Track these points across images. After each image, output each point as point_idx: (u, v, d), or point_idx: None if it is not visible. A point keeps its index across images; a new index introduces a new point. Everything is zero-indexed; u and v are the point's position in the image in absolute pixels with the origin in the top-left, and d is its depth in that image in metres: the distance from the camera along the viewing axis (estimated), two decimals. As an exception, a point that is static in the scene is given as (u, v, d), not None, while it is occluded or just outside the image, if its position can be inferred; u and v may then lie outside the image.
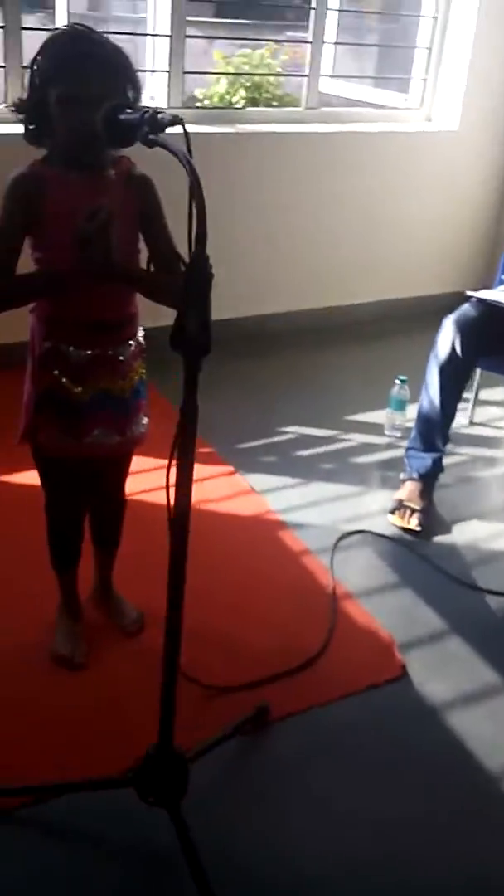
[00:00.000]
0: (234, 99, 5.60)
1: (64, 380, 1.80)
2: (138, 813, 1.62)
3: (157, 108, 1.34)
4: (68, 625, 2.13)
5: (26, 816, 1.71)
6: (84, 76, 1.58)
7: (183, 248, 1.24)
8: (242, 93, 5.60)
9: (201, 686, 2.01)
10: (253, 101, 5.59)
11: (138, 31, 3.56)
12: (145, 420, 1.97)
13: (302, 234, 3.93)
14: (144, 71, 3.43)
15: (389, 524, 2.73)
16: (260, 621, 2.29)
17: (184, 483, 1.37)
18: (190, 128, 1.25)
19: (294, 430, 3.26)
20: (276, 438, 3.21)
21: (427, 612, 2.38)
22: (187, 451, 1.33)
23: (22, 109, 1.64)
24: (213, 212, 1.17)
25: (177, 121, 1.29)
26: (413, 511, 2.74)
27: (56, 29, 1.68)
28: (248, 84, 5.66)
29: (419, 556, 2.60)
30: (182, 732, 1.62)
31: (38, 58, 1.62)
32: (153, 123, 1.30)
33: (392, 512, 2.76)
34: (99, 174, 1.70)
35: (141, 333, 1.90)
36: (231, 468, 2.94)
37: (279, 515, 2.72)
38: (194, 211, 1.18)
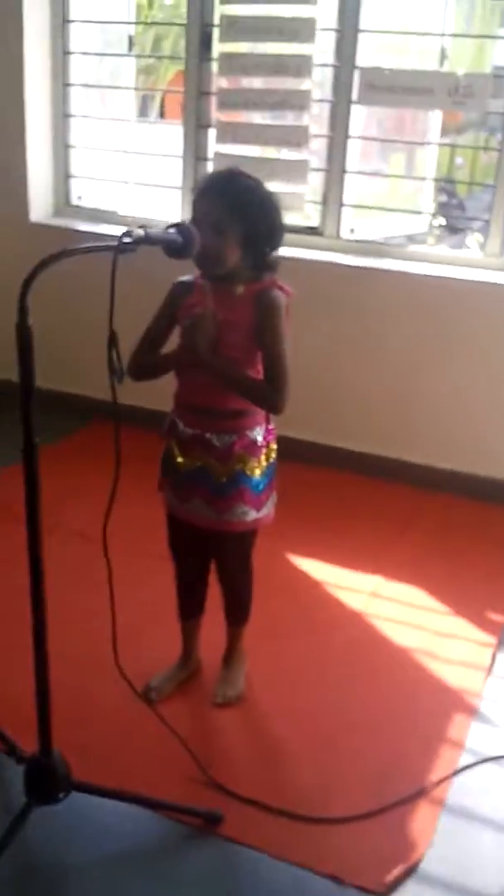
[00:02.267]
0: None
1: (174, 449, 2.14)
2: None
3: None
4: (172, 666, 2.40)
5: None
6: (203, 205, 1.95)
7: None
8: None
9: (205, 774, 2.09)
10: None
11: None
12: (254, 513, 2.14)
13: None
14: None
15: None
16: (330, 764, 2.18)
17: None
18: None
19: None
20: None
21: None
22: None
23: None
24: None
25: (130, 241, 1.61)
26: None
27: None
28: None
29: None
30: (146, 782, 1.90)
31: None
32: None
33: None
34: (228, 287, 2.00)
35: (258, 434, 2.10)
36: (495, 641, 2.68)
37: (480, 702, 2.42)
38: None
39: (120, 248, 1.62)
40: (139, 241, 1.66)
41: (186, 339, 1.98)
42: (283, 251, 3.51)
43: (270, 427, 2.15)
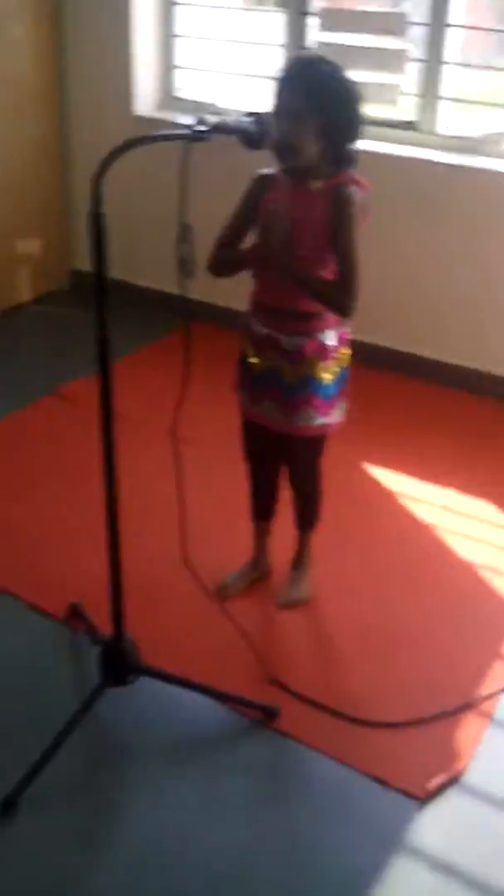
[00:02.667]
0: None
1: (249, 349, 2.12)
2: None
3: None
4: (244, 565, 2.44)
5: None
6: (282, 93, 1.86)
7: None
8: None
9: (265, 670, 2.14)
10: None
11: None
12: (322, 419, 2.12)
13: None
14: None
15: None
16: (385, 670, 2.21)
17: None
18: None
19: None
20: None
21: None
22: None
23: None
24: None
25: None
26: None
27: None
28: None
29: None
30: (210, 673, 2.00)
31: None
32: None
33: None
34: (304, 183, 1.93)
35: (330, 337, 2.05)
36: None
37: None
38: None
39: (192, 137, 1.58)
40: (212, 130, 1.61)
41: (260, 236, 1.93)
42: (376, 146, 3.41)
43: (344, 332, 2.09)
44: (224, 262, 2.07)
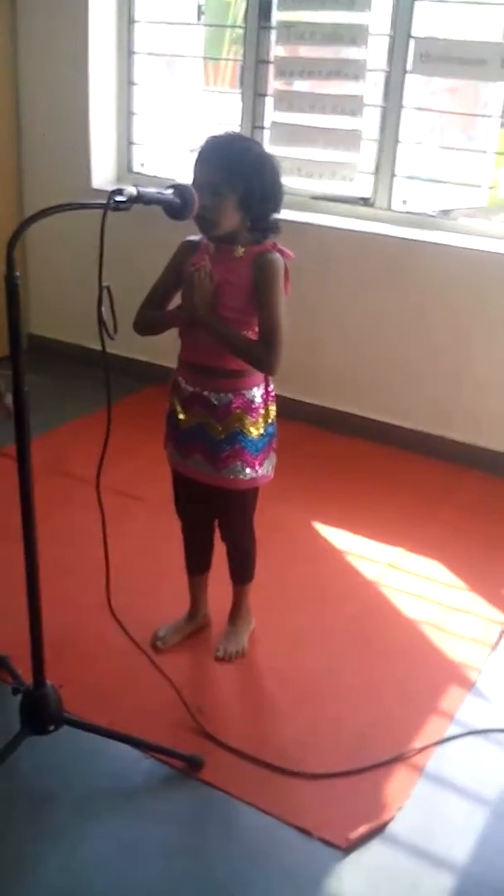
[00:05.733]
0: None
1: (177, 406, 2.21)
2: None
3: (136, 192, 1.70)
4: (180, 618, 2.49)
5: None
6: (200, 167, 1.99)
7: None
8: None
9: (193, 720, 2.17)
10: None
11: None
12: (251, 472, 2.19)
13: None
14: None
15: None
16: (316, 722, 2.23)
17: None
18: None
19: None
20: None
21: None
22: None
23: None
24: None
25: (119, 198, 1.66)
26: None
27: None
28: None
29: None
30: (137, 724, 2.01)
31: None
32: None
33: None
34: (229, 249, 2.04)
35: (256, 394, 2.14)
36: (508, 625, 2.67)
37: (478, 676, 2.42)
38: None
39: (111, 206, 1.68)
40: (131, 200, 1.71)
41: (185, 297, 2.04)
42: (333, 221, 3.56)
43: (270, 389, 2.18)
44: (148, 321, 2.17)
